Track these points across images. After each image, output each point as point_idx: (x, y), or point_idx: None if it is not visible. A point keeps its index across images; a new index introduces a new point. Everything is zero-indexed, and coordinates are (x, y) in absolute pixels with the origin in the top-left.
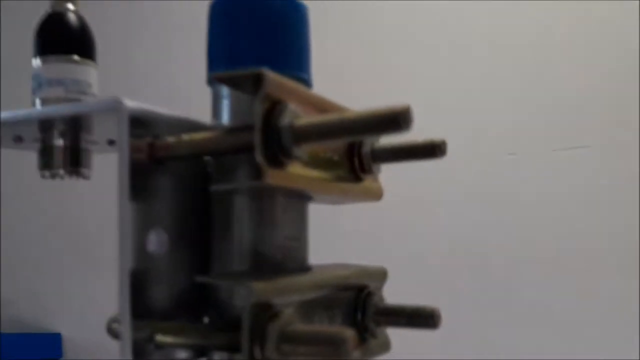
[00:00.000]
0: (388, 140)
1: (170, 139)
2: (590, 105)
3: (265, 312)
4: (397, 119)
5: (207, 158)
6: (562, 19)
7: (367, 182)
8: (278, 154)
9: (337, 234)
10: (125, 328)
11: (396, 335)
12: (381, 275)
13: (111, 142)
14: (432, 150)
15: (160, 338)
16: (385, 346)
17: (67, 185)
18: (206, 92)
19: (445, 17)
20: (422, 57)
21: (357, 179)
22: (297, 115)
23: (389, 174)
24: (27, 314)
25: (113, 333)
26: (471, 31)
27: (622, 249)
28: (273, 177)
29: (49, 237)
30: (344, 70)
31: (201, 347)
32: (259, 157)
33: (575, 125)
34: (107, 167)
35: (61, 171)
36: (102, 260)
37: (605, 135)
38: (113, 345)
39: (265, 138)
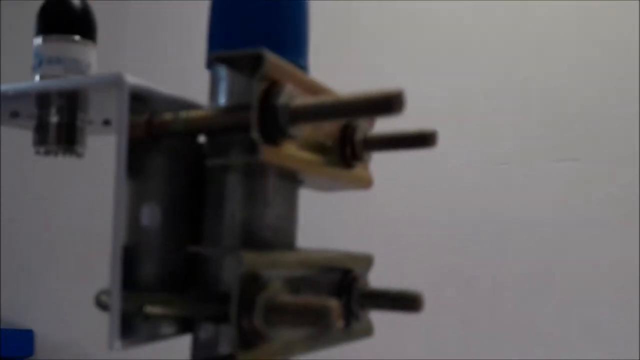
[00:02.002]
0: (380, 129)
1: (168, 116)
2: (583, 119)
3: (253, 283)
4: (390, 102)
5: (201, 138)
6: (560, 29)
7: (358, 170)
8: (273, 133)
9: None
10: (115, 300)
11: (380, 347)
12: (367, 261)
13: (106, 122)
14: (422, 140)
15: (149, 309)
16: (368, 331)
17: (37, 180)
18: (204, 79)
19: (439, 22)
20: (415, 62)
21: (348, 165)
22: (293, 97)
23: (377, 181)
24: None
25: (101, 305)
26: (467, 38)
27: (612, 261)
28: (267, 155)
29: (22, 234)
30: (335, 72)
31: (189, 318)
32: (255, 134)
33: (567, 137)
34: (79, 164)
35: (55, 147)
36: (76, 258)
37: (597, 148)
38: (84, 342)
39: (262, 117)
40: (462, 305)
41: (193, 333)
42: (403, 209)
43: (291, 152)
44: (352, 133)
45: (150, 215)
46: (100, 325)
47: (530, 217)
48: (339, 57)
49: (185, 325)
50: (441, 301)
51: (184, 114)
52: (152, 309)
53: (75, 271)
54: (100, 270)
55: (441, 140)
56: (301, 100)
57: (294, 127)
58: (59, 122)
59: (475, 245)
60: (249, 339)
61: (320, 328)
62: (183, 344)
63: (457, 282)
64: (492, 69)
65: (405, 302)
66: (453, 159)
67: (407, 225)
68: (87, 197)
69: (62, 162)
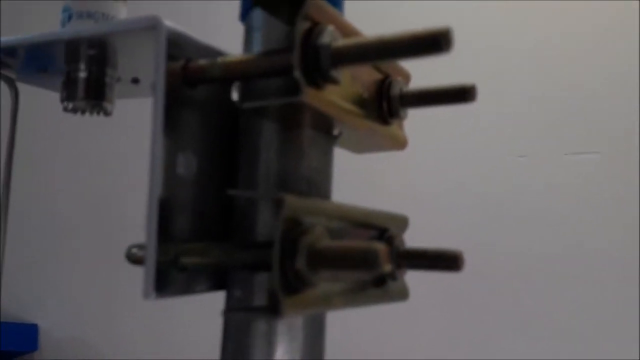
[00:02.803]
0: (416, 85)
1: (204, 62)
2: (602, 111)
3: (295, 228)
4: (438, 40)
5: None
6: (577, 22)
7: (394, 127)
8: (315, 75)
9: None
10: (151, 251)
11: (389, 331)
12: (403, 221)
13: (135, 81)
14: (462, 94)
15: (185, 259)
16: (404, 293)
17: (44, 174)
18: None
19: (455, 17)
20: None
21: (385, 122)
22: (335, 38)
23: (394, 172)
24: (2, 304)
25: (132, 259)
26: (484, 31)
27: (631, 254)
28: (309, 97)
29: (27, 227)
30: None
31: (226, 267)
32: (297, 73)
33: (586, 130)
34: (86, 156)
35: (84, 104)
36: (81, 253)
37: (617, 142)
38: (89, 338)
39: (303, 58)
40: (474, 293)
41: (227, 288)
42: (417, 204)
43: (331, 98)
44: (389, 88)
45: (185, 165)
46: (105, 321)
47: (548, 210)
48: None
49: (218, 281)
50: (453, 289)
51: (220, 60)
52: (188, 259)
53: (80, 266)
54: (106, 266)
55: (460, 131)
56: (344, 40)
57: (335, 69)
58: (87, 77)
59: (491, 235)
60: (291, 284)
61: (367, 271)
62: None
63: (471, 271)
64: (511, 61)
65: (445, 261)
66: (472, 151)
67: (420, 220)
68: (95, 191)
69: (69, 155)
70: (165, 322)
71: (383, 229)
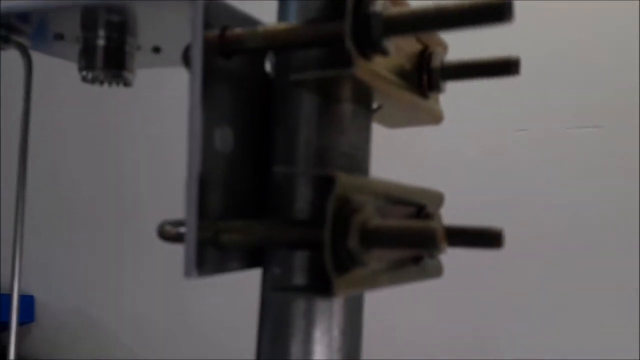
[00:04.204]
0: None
1: (243, 31)
2: (603, 85)
3: (346, 206)
4: (501, 8)
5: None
6: None
7: (431, 101)
8: (364, 45)
9: None
10: (191, 229)
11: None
12: (438, 198)
13: (156, 50)
14: (506, 66)
15: (224, 237)
16: (439, 270)
17: (40, 145)
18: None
19: None
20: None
21: (423, 95)
22: (387, 5)
23: (392, 151)
24: None
25: (166, 236)
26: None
27: (630, 227)
28: (360, 69)
29: (27, 200)
30: None
31: (268, 245)
32: (349, 44)
33: (587, 104)
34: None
35: (103, 73)
36: (78, 224)
37: (617, 116)
38: (85, 309)
39: (353, 27)
40: (471, 268)
41: (264, 265)
42: (417, 179)
43: (378, 69)
44: (429, 59)
45: (222, 140)
46: (102, 292)
47: (548, 185)
48: None
49: (253, 259)
50: (451, 262)
51: (261, 28)
52: (228, 237)
53: (77, 237)
54: (104, 237)
55: (459, 105)
56: (397, 9)
57: (387, 39)
58: (106, 45)
59: (490, 213)
60: (342, 264)
61: (424, 251)
62: None
63: (468, 252)
64: (512, 33)
65: (486, 239)
66: (471, 124)
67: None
68: (95, 161)
69: (69, 123)
70: (162, 291)
71: (420, 205)
